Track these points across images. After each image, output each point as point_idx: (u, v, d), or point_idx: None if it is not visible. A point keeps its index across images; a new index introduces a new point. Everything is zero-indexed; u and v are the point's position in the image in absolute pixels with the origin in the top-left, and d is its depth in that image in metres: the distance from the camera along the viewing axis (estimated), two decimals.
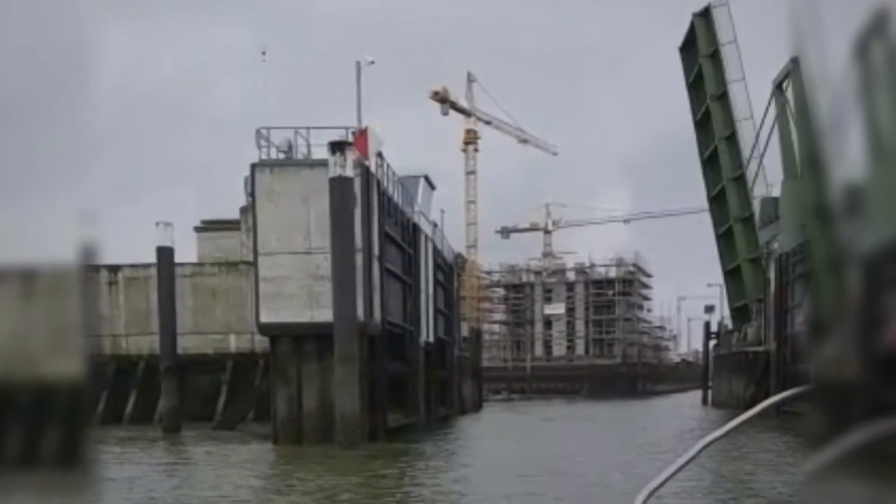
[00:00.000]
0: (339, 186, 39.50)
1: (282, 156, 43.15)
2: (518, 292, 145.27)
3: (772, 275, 69.78)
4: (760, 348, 70.82)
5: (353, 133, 42.20)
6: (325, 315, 40.45)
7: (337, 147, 39.61)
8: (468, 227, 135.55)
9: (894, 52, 2.19)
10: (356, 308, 40.08)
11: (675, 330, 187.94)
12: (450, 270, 70.96)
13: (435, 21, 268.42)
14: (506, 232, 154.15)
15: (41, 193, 3.17)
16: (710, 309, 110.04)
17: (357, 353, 40.12)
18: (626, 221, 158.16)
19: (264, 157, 42.39)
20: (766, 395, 46.82)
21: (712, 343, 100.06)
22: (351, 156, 39.89)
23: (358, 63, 43.97)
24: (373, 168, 43.69)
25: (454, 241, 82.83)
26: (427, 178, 61.08)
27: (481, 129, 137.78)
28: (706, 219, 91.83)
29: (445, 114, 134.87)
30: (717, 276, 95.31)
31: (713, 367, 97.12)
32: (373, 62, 44.82)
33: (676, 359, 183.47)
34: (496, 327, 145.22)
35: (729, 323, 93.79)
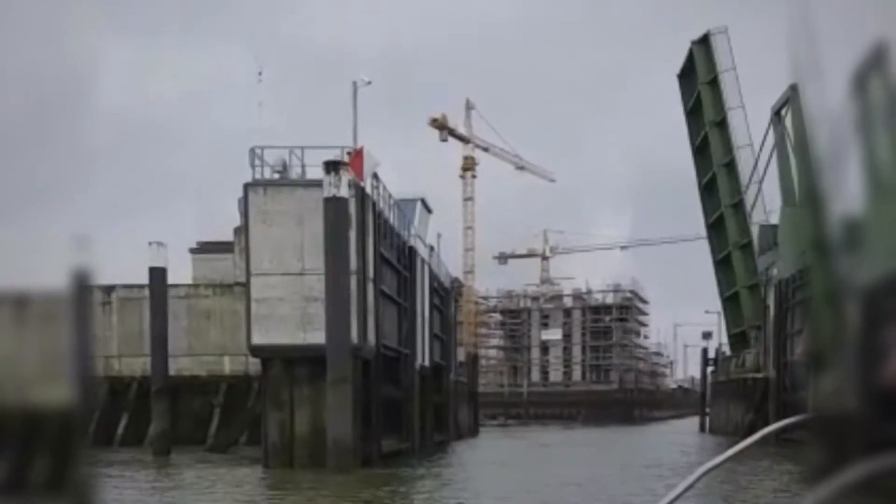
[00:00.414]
0: (334, 207, 38.54)
1: (276, 176, 42.16)
2: (515, 318, 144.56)
3: (771, 301, 68.78)
4: (759, 375, 69.79)
5: (348, 153, 41.28)
6: (318, 337, 39.46)
7: (331, 167, 38.67)
8: (465, 252, 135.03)
9: (893, 86, 2.12)
10: (350, 331, 39.15)
11: (672, 356, 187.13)
12: (446, 295, 69.98)
13: (434, 48, 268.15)
14: (503, 258, 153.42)
15: (36, 216, 3.10)
16: (707, 335, 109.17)
17: (350, 376, 39.13)
18: (623, 248, 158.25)
19: (258, 176, 41.43)
20: (766, 422, 45.82)
21: (710, 369, 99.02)
22: (346, 176, 38.99)
23: (354, 83, 43.09)
24: (368, 189, 42.79)
25: (452, 267, 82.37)
26: (423, 202, 60.17)
27: (479, 155, 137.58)
28: (703, 246, 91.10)
29: (444, 140, 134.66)
30: (714, 303, 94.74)
31: (711, 393, 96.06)
32: (369, 82, 43.97)
33: (673, 385, 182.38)
34: (493, 352, 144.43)
35: (727, 349, 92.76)
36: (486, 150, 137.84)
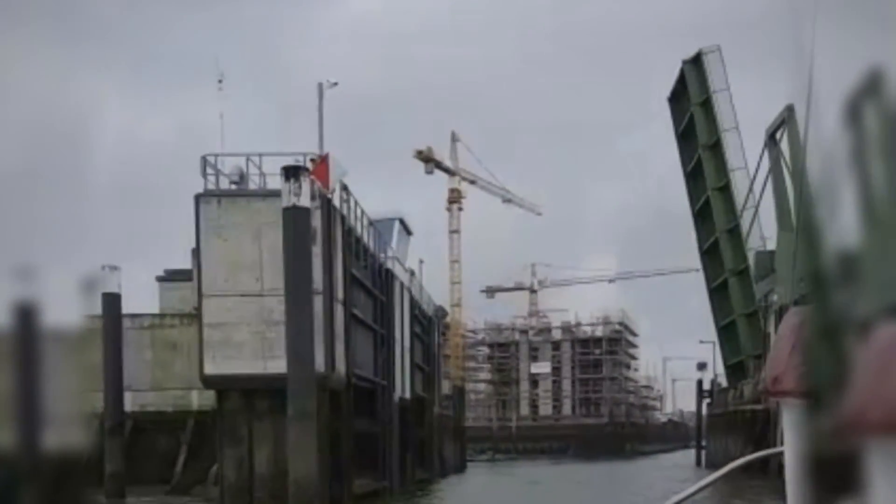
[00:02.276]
0: (294, 217, 33.27)
1: (232, 186, 36.88)
2: (503, 351, 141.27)
3: (771, 329, 63.69)
4: (759, 406, 64.47)
5: (312, 160, 35.97)
6: (280, 366, 34.29)
7: (291, 173, 33.42)
8: (452, 286, 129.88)
9: (888, 114, 2.03)
10: (314, 358, 33.73)
11: (661, 390, 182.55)
12: (429, 323, 64.83)
13: (419, 80, 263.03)
14: (491, 292, 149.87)
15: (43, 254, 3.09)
16: (702, 366, 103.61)
17: (314, 409, 33.88)
18: (611, 281, 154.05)
19: (211, 187, 36.09)
20: (773, 458, 41.87)
21: (705, 402, 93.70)
22: (307, 184, 33.69)
23: (320, 85, 37.93)
24: (336, 201, 37.56)
25: (438, 301, 78.58)
26: (402, 222, 55.02)
27: (466, 188, 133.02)
28: (692, 280, 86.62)
29: (430, 173, 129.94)
30: (705, 335, 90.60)
31: (707, 426, 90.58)
32: (335, 84, 38.75)
33: (663, 419, 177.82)
34: (481, 386, 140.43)
35: (723, 380, 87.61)
36: (472, 182, 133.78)
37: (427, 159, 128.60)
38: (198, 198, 35.64)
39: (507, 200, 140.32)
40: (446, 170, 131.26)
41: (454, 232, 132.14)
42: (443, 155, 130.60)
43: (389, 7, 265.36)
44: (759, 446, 61.42)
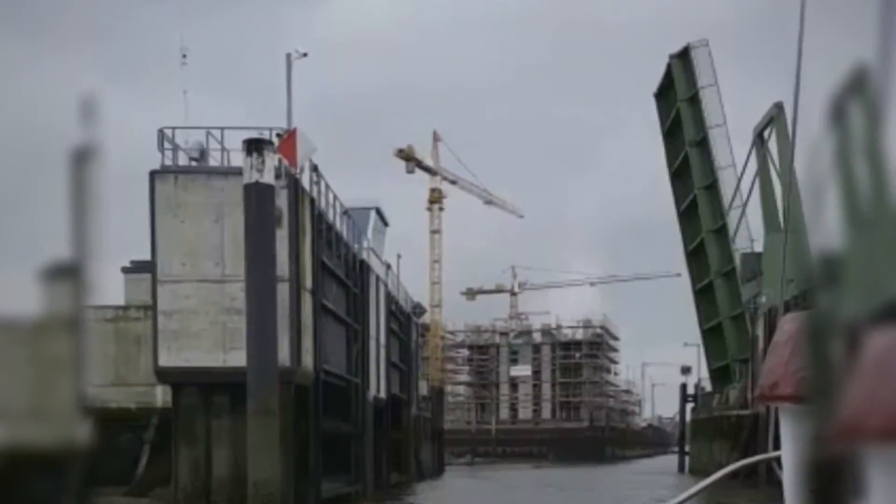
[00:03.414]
0: (256, 195, 30.00)
1: (193, 163, 33.54)
2: (483, 353, 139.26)
3: (760, 332, 60.70)
4: (746, 411, 61.48)
5: (278, 135, 32.65)
6: (242, 358, 30.97)
7: (254, 146, 30.11)
8: (432, 286, 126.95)
9: (872, 112, 1.97)
10: (276, 350, 30.48)
11: (640, 395, 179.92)
12: (406, 320, 61.64)
13: (401, 79, 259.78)
14: (471, 293, 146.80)
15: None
16: (686, 370, 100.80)
17: (278, 406, 30.59)
18: (591, 284, 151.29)
19: (169, 163, 32.76)
20: (763, 465, 39.39)
21: (689, 406, 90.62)
22: (272, 159, 30.41)
23: (288, 55, 34.67)
24: (305, 183, 34.31)
25: (418, 300, 75.05)
26: (379, 212, 51.73)
27: (447, 188, 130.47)
28: (672, 284, 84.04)
29: (411, 172, 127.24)
30: (687, 340, 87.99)
31: (690, 431, 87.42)
32: (305, 54, 35.43)
33: (643, 424, 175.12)
34: (460, 389, 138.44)
35: (707, 385, 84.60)
36: (453, 182, 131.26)
37: (408, 158, 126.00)
38: (153, 174, 32.25)
39: (489, 202, 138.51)
40: (427, 169, 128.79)
41: (435, 232, 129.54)
42: (424, 154, 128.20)
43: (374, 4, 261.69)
44: (747, 453, 58.45)
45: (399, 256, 59.15)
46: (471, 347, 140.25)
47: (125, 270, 56.26)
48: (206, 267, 32.27)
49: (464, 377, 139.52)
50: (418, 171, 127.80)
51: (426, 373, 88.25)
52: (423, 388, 73.94)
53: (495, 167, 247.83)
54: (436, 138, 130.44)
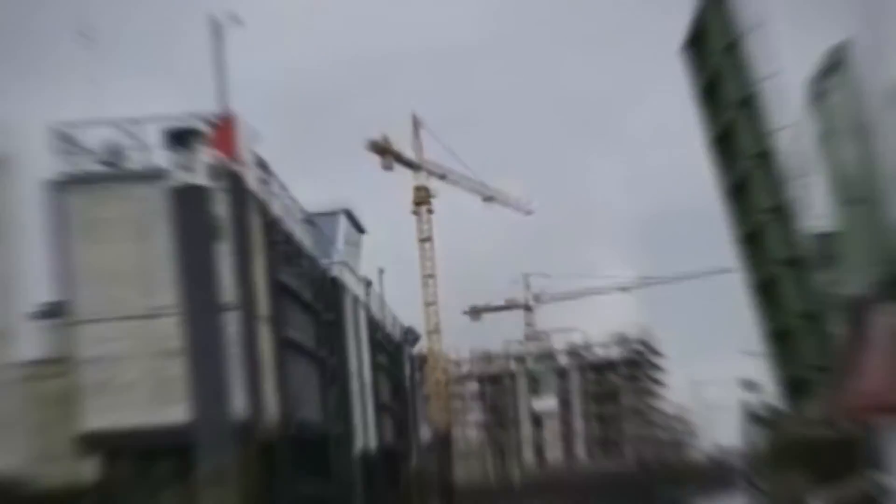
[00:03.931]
0: (186, 201, 28.97)
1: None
2: (497, 384, 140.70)
3: (843, 330, 59.71)
4: (834, 432, 60.59)
5: (212, 124, 31.37)
6: (185, 413, 30.29)
7: (179, 139, 28.90)
8: (427, 307, 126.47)
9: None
10: (227, 399, 29.56)
11: (695, 421, 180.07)
12: (397, 350, 60.89)
13: (370, 51, 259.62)
14: (475, 312, 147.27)
15: None
16: (751, 386, 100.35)
17: (236, 470, 30.00)
18: (624, 290, 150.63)
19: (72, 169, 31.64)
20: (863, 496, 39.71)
21: (757, 431, 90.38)
22: (205, 155, 29.27)
23: (215, 21, 33.42)
24: (251, 183, 33.14)
25: (410, 325, 75.66)
26: (350, 215, 51.03)
27: (435, 185, 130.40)
28: (722, 282, 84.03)
29: (388, 168, 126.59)
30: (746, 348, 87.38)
31: (759, 462, 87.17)
32: (240, 21, 34.21)
33: (700, 456, 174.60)
34: (472, 431, 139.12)
35: (775, 402, 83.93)
36: (442, 177, 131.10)
37: (383, 151, 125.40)
38: (51, 186, 31.08)
39: (489, 198, 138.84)
40: (408, 163, 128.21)
41: (425, 240, 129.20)
42: (403, 145, 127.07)
43: None
44: (850, 488, 57.81)
45: (381, 271, 58.61)
46: (481, 379, 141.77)
47: (32, 317, 55.36)
48: (130, 298, 31.36)
49: (475, 416, 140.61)
50: (398, 167, 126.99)
51: (428, 415, 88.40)
52: (426, 434, 74.23)
53: (493, 153, 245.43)
54: (416, 124, 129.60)
